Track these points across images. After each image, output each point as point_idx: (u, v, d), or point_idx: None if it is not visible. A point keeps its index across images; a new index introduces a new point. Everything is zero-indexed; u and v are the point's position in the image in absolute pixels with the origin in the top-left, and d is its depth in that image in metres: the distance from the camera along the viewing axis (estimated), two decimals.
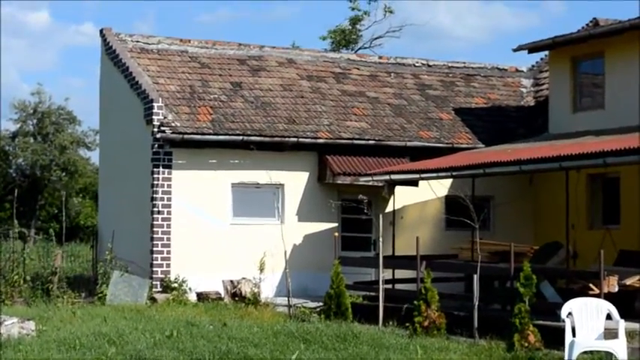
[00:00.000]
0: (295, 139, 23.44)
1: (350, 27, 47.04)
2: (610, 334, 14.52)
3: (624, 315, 14.91)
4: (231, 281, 22.06)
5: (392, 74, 27.81)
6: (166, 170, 22.70)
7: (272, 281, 22.20)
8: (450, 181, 23.68)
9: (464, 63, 29.33)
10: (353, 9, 46.47)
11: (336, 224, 23.74)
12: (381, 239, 19.71)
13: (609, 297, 15.98)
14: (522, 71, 29.58)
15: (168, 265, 22.54)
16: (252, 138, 23.05)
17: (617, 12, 78.10)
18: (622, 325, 14.42)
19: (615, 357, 14.14)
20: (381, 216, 20.36)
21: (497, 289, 19.90)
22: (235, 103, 24.24)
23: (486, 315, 17.23)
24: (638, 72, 22.19)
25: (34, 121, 52.41)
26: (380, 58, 29.18)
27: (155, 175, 22.63)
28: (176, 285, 22.20)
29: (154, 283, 22.31)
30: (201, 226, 22.81)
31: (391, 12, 46.66)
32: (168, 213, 22.62)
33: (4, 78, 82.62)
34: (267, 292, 21.93)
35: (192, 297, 22.08)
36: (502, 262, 19.34)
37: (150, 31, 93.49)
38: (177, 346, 14.60)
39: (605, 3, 76.57)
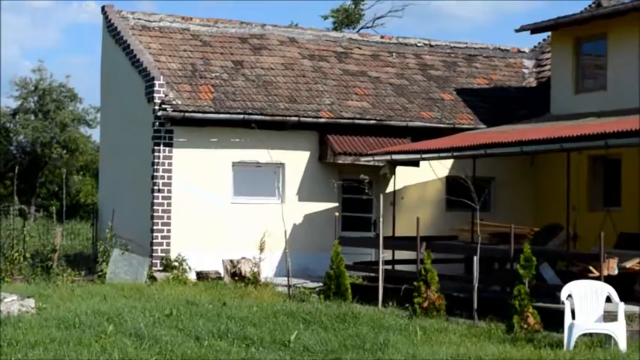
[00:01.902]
0: (296, 119, 23.41)
1: (353, 6, 47.04)
2: (609, 316, 14.56)
3: (624, 298, 14.94)
4: (231, 261, 22.05)
5: (394, 54, 27.77)
6: (167, 148, 22.68)
7: (272, 261, 22.21)
8: (451, 161, 23.71)
9: (466, 43, 29.29)
10: None
11: (336, 204, 23.75)
12: (381, 220, 19.71)
13: (609, 280, 16.02)
14: (524, 52, 29.54)
15: (168, 244, 22.55)
16: (254, 117, 23.01)
17: None
18: (621, 308, 14.45)
19: (614, 339, 14.17)
20: (381, 196, 20.37)
21: (497, 271, 19.94)
22: (236, 81, 24.21)
23: (486, 296, 17.26)
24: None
25: (35, 98, 52.31)
26: (382, 37, 29.13)
27: (156, 154, 22.61)
28: (176, 264, 22.22)
29: (153, 261, 22.33)
30: (201, 205, 22.81)
31: None
32: (169, 191, 22.62)
33: (5, 55, 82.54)
34: (267, 271, 21.95)
35: (192, 276, 22.11)
36: (502, 244, 19.36)
37: (152, 9, 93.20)
38: (176, 324, 14.64)
39: None
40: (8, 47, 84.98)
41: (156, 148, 22.63)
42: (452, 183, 23.46)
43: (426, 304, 17.21)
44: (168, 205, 22.61)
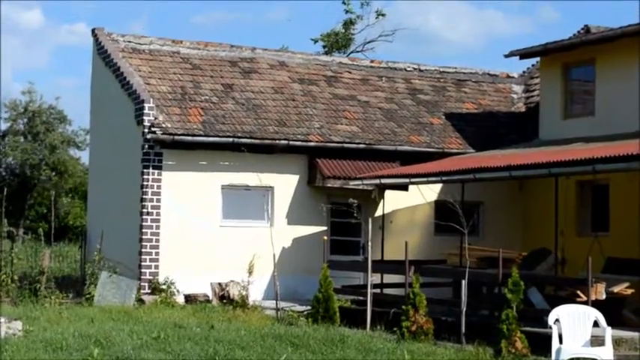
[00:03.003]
0: (286, 142, 23.45)
1: (343, 30, 47.10)
2: (597, 341, 14.60)
3: (611, 322, 14.98)
4: (220, 284, 22.05)
5: (383, 78, 27.85)
6: (156, 171, 22.69)
7: (260, 284, 22.19)
8: (439, 186, 23.74)
9: (455, 68, 29.39)
10: (347, 12, 46.53)
11: (325, 228, 23.76)
12: (370, 243, 19.75)
13: (597, 304, 16.02)
14: (513, 77, 29.64)
15: (156, 267, 22.52)
16: (243, 140, 23.05)
17: (610, 19, 78.29)
18: (609, 333, 14.49)
19: None
20: (370, 220, 20.41)
21: (485, 295, 19.95)
22: (226, 104, 24.25)
23: (474, 321, 17.27)
24: (628, 79, 22.27)
25: (25, 120, 52.32)
26: (372, 62, 29.23)
27: (145, 176, 22.62)
28: (164, 287, 22.18)
29: (142, 284, 22.29)
30: (190, 228, 22.80)
31: (383, 15, 46.76)
32: (158, 214, 22.61)
33: None
34: (256, 294, 21.93)
35: (180, 299, 22.07)
36: (490, 268, 19.36)
37: (143, 31, 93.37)
38: (164, 348, 14.60)
39: (598, 10, 76.85)
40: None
41: (145, 170, 22.63)
42: (440, 207, 23.48)
43: (414, 328, 17.19)
44: (157, 227, 22.60)
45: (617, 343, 15.36)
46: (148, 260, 22.51)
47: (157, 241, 22.58)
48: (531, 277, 18.51)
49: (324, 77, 27.04)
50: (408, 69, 28.58)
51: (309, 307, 19.61)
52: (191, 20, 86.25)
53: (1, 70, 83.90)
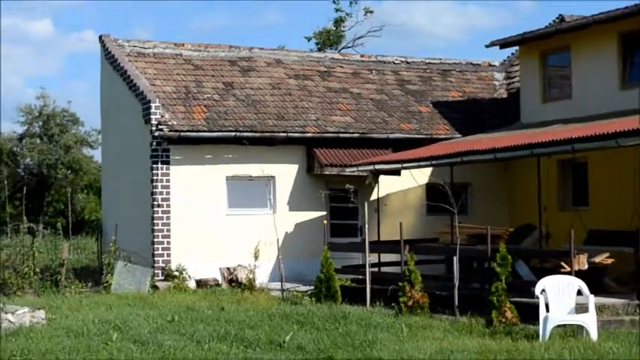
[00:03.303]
0: (285, 134, 23.44)
1: (334, 28, 47.08)
2: (581, 308, 14.62)
3: (594, 290, 15.01)
4: (228, 268, 22.07)
5: (373, 71, 27.81)
6: (164, 166, 22.69)
7: (266, 267, 22.22)
8: (430, 169, 23.72)
9: (440, 59, 29.34)
10: (337, 10, 46.51)
11: (324, 212, 23.76)
12: (366, 225, 19.76)
13: (580, 274, 16.05)
14: (495, 66, 29.61)
15: (168, 255, 22.53)
16: (245, 134, 23.05)
17: (582, 9, 78.07)
18: (592, 300, 14.51)
19: (586, 330, 14.23)
20: (366, 204, 20.43)
21: (476, 270, 19.95)
22: (227, 101, 24.22)
23: (466, 294, 17.29)
24: (601, 63, 22.27)
25: (40, 123, 52.21)
26: (362, 56, 29.18)
27: (154, 171, 22.61)
28: (176, 273, 22.19)
29: (155, 272, 22.31)
30: (198, 218, 22.80)
31: (371, 12, 46.76)
32: (168, 206, 22.61)
33: (10, 84, 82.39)
34: (262, 277, 21.95)
35: (192, 284, 22.09)
36: (480, 244, 19.39)
37: (147, 35, 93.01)
38: (178, 330, 14.64)
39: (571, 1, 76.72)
40: (12, 76, 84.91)
41: (154, 166, 22.63)
42: (431, 189, 23.46)
43: (410, 303, 17.23)
44: (168, 218, 22.60)
45: (599, 309, 15.39)
46: (160, 249, 22.52)
47: (168, 231, 22.58)
48: (518, 251, 18.52)
49: (318, 72, 27.00)
50: (396, 62, 28.53)
51: (312, 287, 19.63)
52: (191, 24, 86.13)
53: (13, 77, 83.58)
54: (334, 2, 46.52)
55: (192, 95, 24.05)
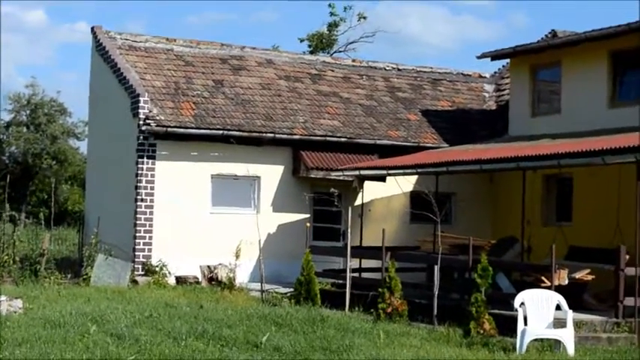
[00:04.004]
0: (272, 135, 23.44)
1: (327, 32, 47.18)
2: (559, 323, 14.66)
3: (573, 306, 15.04)
4: (209, 266, 22.04)
5: (364, 77, 27.85)
6: (150, 161, 22.65)
7: (247, 267, 22.16)
8: (415, 177, 23.78)
9: (431, 68, 29.40)
10: (332, 14, 46.62)
11: (308, 215, 23.75)
12: (349, 230, 19.75)
13: (560, 289, 16.08)
14: (485, 77, 29.69)
15: (149, 250, 22.49)
16: (232, 133, 23.03)
17: (575, 24, 78.44)
18: (570, 316, 14.55)
19: (563, 344, 14.27)
20: (350, 209, 20.42)
21: (456, 280, 19.96)
22: (217, 99, 24.21)
23: (445, 303, 17.30)
24: (591, 80, 22.34)
25: (28, 111, 52.05)
26: (353, 61, 29.22)
27: (140, 166, 22.57)
28: (157, 269, 22.16)
29: (135, 266, 22.26)
30: (181, 214, 22.77)
31: (364, 18, 46.89)
32: (151, 201, 22.58)
33: (4, 74, 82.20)
34: (242, 277, 21.90)
35: (172, 280, 22.05)
36: (461, 255, 19.39)
37: (140, 29, 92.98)
38: (155, 325, 14.59)
39: (564, 15, 77.02)
40: (4, 64, 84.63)
41: (139, 160, 22.58)
42: (415, 197, 23.52)
43: (389, 310, 17.21)
44: (151, 213, 22.56)
45: (577, 325, 15.42)
46: (141, 244, 22.48)
47: (151, 226, 22.54)
48: (499, 263, 18.54)
49: (309, 75, 27.02)
50: (387, 68, 28.58)
51: (292, 289, 19.60)
52: (185, 20, 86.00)
53: (4, 65, 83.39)
54: (329, 6, 46.73)
55: (182, 91, 24.03)
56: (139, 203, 22.50)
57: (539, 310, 14.68)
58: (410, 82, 28.32)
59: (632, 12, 72.02)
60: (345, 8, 47.28)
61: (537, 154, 18.46)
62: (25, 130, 51.67)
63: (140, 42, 25.71)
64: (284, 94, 25.53)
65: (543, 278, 17.18)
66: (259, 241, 20.53)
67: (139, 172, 22.56)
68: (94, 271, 21.56)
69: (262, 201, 23.65)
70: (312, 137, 23.89)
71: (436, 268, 17.42)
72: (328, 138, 24.05)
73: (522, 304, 14.68)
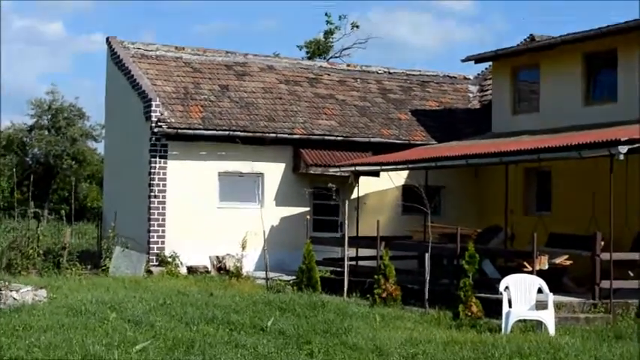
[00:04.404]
0: (274, 135, 23.40)
1: (323, 39, 47.21)
2: (541, 305, 14.65)
3: (553, 289, 15.04)
4: (217, 257, 22.02)
5: (358, 80, 27.78)
6: (162, 160, 22.61)
7: (252, 257, 22.16)
8: (406, 172, 23.73)
9: (420, 71, 29.36)
10: (328, 22, 46.74)
11: (308, 208, 23.71)
12: (346, 222, 19.74)
13: (541, 273, 16.09)
14: (469, 79, 29.63)
15: (162, 243, 22.46)
16: (237, 133, 23.00)
17: (552, 28, 78.41)
18: (551, 298, 14.54)
19: (545, 325, 14.26)
20: (346, 202, 20.38)
21: (446, 266, 19.95)
22: (222, 102, 24.16)
23: (436, 288, 17.29)
24: (568, 80, 22.32)
25: (49, 116, 51.94)
26: (348, 66, 29.16)
27: (152, 164, 22.54)
28: (170, 259, 22.13)
29: (150, 257, 22.23)
30: (191, 209, 22.73)
31: (357, 27, 47.00)
32: (163, 197, 22.54)
33: (23, 79, 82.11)
34: (248, 266, 21.90)
35: (183, 270, 22.03)
36: (450, 243, 19.36)
37: (151, 38, 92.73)
38: (169, 312, 14.58)
39: (542, 20, 77.00)
40: (26, 73, 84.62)
41: (152, 159, 22.54)
42: (407, 191, 23.47)
43: (384, 295, 17.21)
44: (163, 209, 22.53)
45: (557, 306, 15.41)
46: (155, 237, 22.45)
47: (163, 220, 22.51)
48: (485, 250, 18.53)
49: (307, 79, 26.96)
50: (379, 72, 28.52)
51: (294, 277, 19.60)
52: (192, 29, 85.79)
53: (27, 73, 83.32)
54: (326, 15, 46.86)
55: (190, 96, 23.98)
56: (152, 199, 22.47)
57: (522, 293, 14.66)
58: (400, 84, 28.27)
59: (605, 15, 72.17)
60: (340, 17, 47.24)
61: (518, 149, 18.45)
62: (46, 133, 51.59)
63: (151, 51, 25.65)
64: (284, 97, 25.48)
65: (525, 264, 17.19)
66: (263, 232, 20.50)
67: (152, 170, 22.52)
68: (112, 263, 21.54)
69: (266, 196, 23.61)
70: (310, 136, 23.86)
71: (427, 256, 17.41)
72: (326, 137, 24.01)
73: (507, 288, 14.67)
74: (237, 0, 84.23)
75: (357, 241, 21.39)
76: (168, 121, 22.50)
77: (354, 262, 20.91)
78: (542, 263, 17.06)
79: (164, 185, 22.56)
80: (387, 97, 27.25)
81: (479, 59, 25.23)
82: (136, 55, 25.23)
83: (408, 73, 28.98)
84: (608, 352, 12.18)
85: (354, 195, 23.50)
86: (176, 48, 26.15)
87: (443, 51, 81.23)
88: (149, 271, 21.64)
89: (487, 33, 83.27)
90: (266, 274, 20.04)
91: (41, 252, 22.16)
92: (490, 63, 26.48)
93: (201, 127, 22.72)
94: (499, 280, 15.13)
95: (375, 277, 17.57)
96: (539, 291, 14.74)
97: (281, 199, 23.75)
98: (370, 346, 12.09)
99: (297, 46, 47.41)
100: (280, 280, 19.99)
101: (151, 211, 22.45)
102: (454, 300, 15.77)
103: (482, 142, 22.61)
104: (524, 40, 26.59)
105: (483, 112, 26.94)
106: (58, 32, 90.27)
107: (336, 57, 46.22)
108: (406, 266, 20.24)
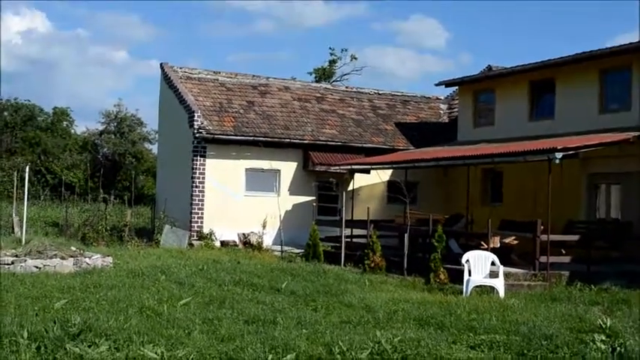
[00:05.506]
0: (288, 140, 23.39)
1: (328, 67, 47.23)
2: (493, 274, 14.65)
3: (503, 262, 15.05)
4: (244, 234, 22.03)
5: (354, 99, 27.75)
6: (202, 159, 22.61)
7: (271, 234, 22.18)
8: (391, 171, 23.73)
9: (402, 93, 29.30)
10: (331, 54, 46.90)
11: (314, 197, 23.71)
12: (344, 208, 19.74)
13: (494, 250, 16.08)
14: (441, 99, 29.58)
15: (202, 222, 22.46)
16: (260, 138, 22.99)
17: (507, 60, 78.11)
18: (501, 270, 14.55)
19: (496, 290, 14.26)
20: (344, 193, 20.40)
21: (420, 244, 19.95)
22: (249, 115, 24.15)
23: (413, 260, 17.30)
24: (517, 101, 22.29)
25: (115, 124, 51.97)
26: (346, 88, 29.10)
27: (194, 162, 22.54)
28: (207, 235, 22.14)
29: (192, 233, 22.24)
30: (224, 197, 22.74)
31: (355, 58, 47.21)
32: (202, 187, 22.54)
33: (95, 95, 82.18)
34: (268, 241, 21.92)
35: (217, 244, 22.04)
36: (424, 226, 19.37)
37: (195, 65, 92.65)
38: (206, 275, 14.62)
39: (498, 55, 76.65)
40: (98, 89, 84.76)
41: (194, 158, 22.55)
42: (391, 185, 23.47)
43: (372, 265, 17.24)
44: (202, 196, 22.54)
45: (506, 276, 15.40)
46: (196, 218, 22.45)
47: (202, 205, 22.51)
48: (451, 232, 18.51)
49: (315, 97, 26.93)
50: (371, 93, 28.48)
51: (303, 250, 19.62)
52: (227, 58, 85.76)
53: (100, 90, 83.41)
54: (330, 49, 46.98)
55: (224, 109, 23.96)
56: (193, 188, 22.48)
57: (479, 265, 14.68)
58: (387, 102, 28.23)
59: (551, 48, 71.88)
60: (342, 50, 47.43)
61: (478, 154, 18.44)
62: (112, 137, 51.62)
63: (195, 74, 25.65)
64: (297, 111, 25.46)
65: (482, 243, 17.19)
66: (279, 215, 20.53)
67: (194, 166, 22.53)
68: (163, 237, 21.57)
69: (282, 187, 23.60)
70: (317, 142, 23.83)
71: (406, 236, 17.42)
72: (329, 142, 23.99)
73: (467, 261, 14.69)
74: (262, 35, 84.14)
75: (351, 223, 21.37)
76: (207, 128, 22.50)
77: (349, 239, 20.92)
78: (495, 242, 17.07)
79: (203, 178, 22.57)
80: (377, 112, 27.22)
81: (448, 84, 25.21)
82: (183, 77, 25.23)
83: (393, 94, 28.93)
84: (545, 311, 12.20)
85: (350, 187, 23.50)
86: (214, 72, 26.14)
87: (420, 77, 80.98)
88: (191, 244, 21.67)
89: (455, 64, 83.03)
90: (281, 247, 20.07)
91: (108, 228, 22.22)
92: (457, 87, 26.46)
93: (232, 133, 22.72)
94: (461, 255, 15.15)
95: (365, 251, 17.59)
96: (493, 264, 14.76)
97: (293, 190, 23.75)
98: (361, 304, 12.12)
99: (308, 72, 47.55)
100: (292, 253, 20.02)
101: (193, 197, 22.46)
102: (426, 270, 15.79)
103: (450, 148, 22.60)
104: (484, 69, 26.54)
105: (451, 125, 26.91)
106: (123, 58, 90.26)
107: (338, 81, 46.28)
108: (390, 243, 20.23)
